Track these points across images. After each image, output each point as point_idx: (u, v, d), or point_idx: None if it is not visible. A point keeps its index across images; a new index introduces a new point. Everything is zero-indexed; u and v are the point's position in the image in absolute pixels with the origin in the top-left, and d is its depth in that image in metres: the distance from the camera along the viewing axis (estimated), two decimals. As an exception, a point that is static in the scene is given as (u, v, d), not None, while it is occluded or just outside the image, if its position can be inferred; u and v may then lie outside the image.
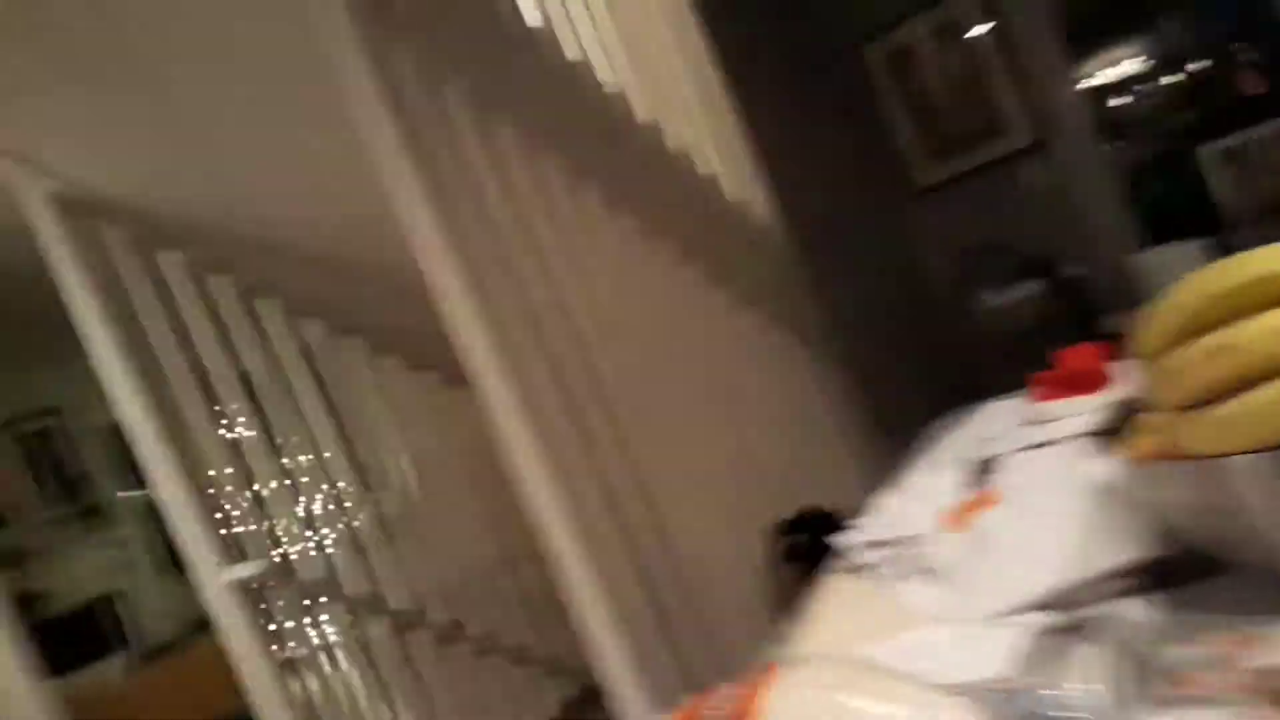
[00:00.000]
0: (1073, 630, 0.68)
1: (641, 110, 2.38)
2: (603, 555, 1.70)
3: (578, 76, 2.19)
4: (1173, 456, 0.60)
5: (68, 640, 3.92)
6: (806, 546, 1.81)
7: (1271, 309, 0.55)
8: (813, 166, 3.44)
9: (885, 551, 0.86)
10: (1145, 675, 0.63)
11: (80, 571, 4.48)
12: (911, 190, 4.25)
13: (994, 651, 0.66)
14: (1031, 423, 1.12)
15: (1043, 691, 0.62)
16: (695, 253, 2.52)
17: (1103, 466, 0.75)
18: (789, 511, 2.34)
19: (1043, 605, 0.70)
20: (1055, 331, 3.33)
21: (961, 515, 0.80)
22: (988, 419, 1.29)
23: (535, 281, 1.94)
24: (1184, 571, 0.67)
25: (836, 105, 4.04)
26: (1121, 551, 0.69)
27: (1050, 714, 0.59)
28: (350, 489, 2.58)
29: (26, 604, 4.01)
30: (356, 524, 2.58)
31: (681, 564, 2.00)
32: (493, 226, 1.87)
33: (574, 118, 2.11)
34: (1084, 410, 1.07)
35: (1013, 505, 0.77)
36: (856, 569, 0.87)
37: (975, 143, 4.12)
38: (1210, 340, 0.56)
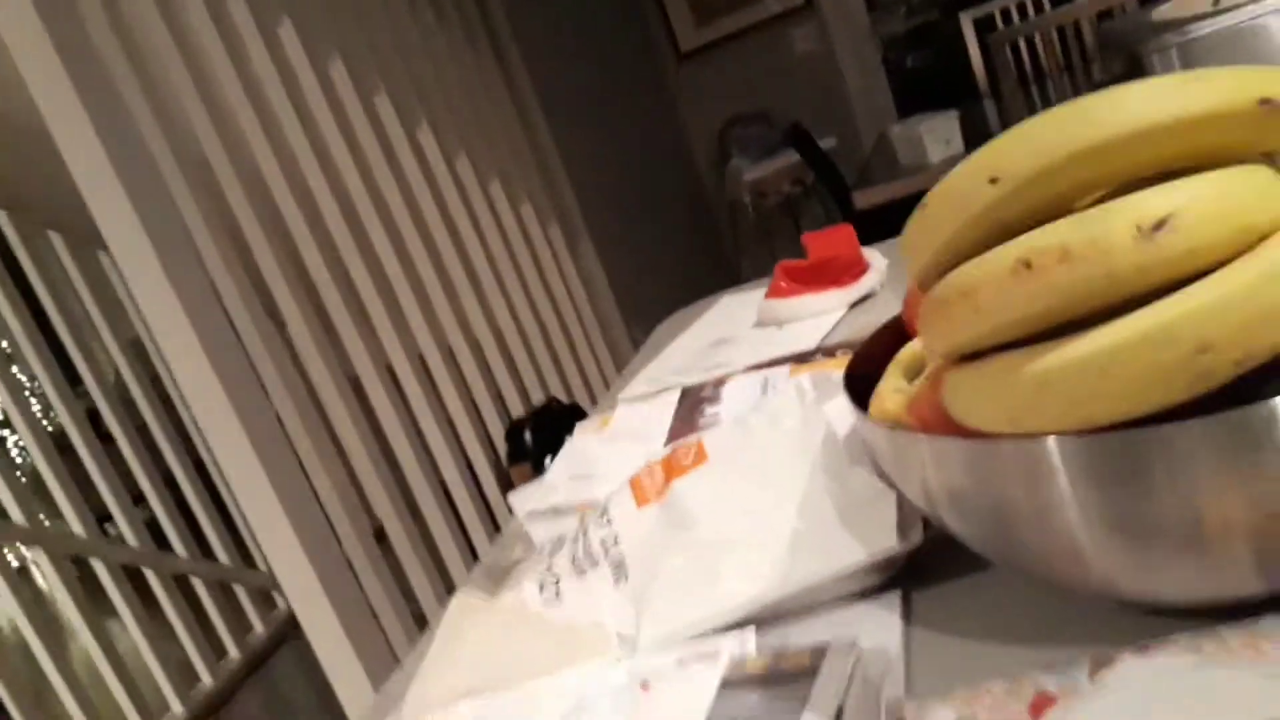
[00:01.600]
0: (789, 665, 0.47)
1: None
2: (286, 465, 1.36)
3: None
4: (943, 427, 0.38)
5: None
6: (532, 447, 1.58)
7: (1136, 189, 0.32)
8: (574, 27, 3.09)
9: (560, 525, 0.61)
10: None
11: None
12: (676, 55, 3.99)
13: (678, 704, 0.43)
14: (765, 323, 0.91)
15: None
16: (444, 122, 2.16)
17: (841, 414, 0.53)
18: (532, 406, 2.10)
19: (746, 621, 0.48)
20: (811, 207, 3.23)
21: (657, 477, 0.56)
22: (723, 314, 1.07)
23: (225, 137, 1.53)
24: (934, 565, 0.47)
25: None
26: (858, 543, 0.48)
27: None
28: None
29: None
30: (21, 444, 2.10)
31: (407, 472, 1.73)
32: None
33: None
34: (825, 309, 0.87)
35: (719, 468, 0.54)
36: (518, 554, 0.62)
37: (742, 4, 3.89)
38: (1025, 244, 0.33)
